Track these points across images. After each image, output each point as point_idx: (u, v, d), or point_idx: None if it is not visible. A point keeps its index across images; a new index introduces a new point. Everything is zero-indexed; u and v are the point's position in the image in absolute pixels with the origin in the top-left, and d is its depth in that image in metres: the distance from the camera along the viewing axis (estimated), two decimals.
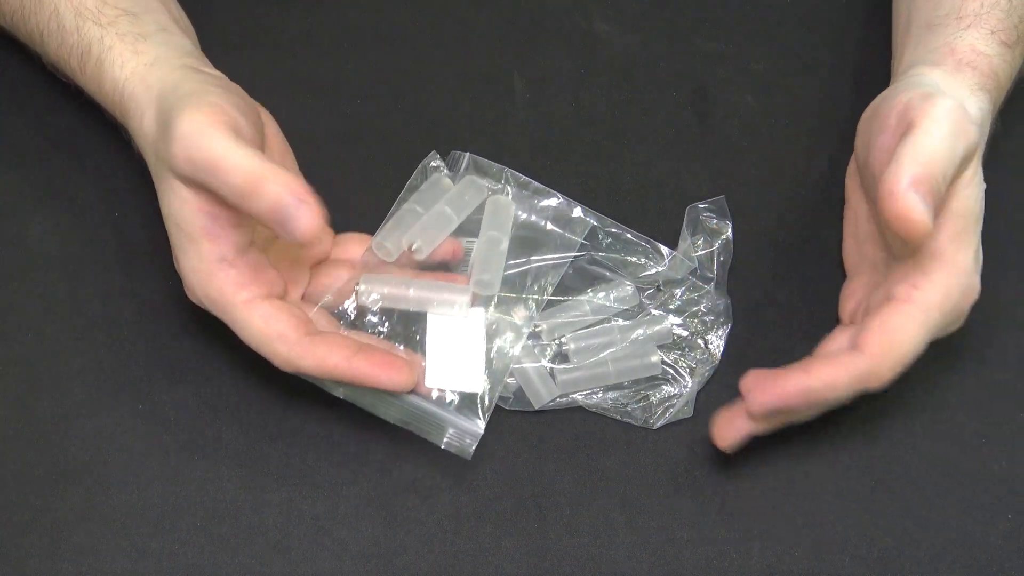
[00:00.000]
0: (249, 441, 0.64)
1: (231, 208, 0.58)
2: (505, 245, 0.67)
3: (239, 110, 0.60)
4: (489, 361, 0.64)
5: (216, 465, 0.64)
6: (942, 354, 0.67)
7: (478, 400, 0.63)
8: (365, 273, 0.65)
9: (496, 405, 0.65)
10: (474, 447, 0.62)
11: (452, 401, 0.63)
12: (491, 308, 0.66)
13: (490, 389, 0.64)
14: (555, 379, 0.65)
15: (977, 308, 0.63)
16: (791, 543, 0.63)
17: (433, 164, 0.70)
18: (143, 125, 0.61)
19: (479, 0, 0.78)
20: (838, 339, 0.63)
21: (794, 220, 0.72)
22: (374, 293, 0.64)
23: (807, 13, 0.79)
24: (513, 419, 0.65)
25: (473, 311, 0.65)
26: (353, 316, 0.65)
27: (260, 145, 0.61)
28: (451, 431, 0.62)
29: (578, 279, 0.68)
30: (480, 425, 0.63)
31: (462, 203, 0.68)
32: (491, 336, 0.65)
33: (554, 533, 0.63)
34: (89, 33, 0.64)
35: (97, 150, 0.71)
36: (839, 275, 0.69)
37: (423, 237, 0.66)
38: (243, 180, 0.56)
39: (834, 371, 0.59)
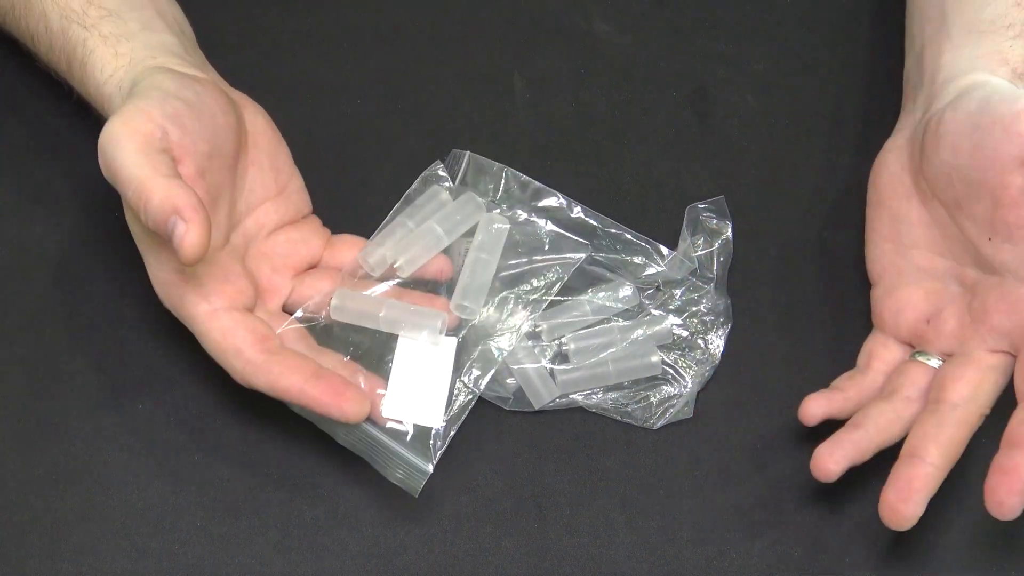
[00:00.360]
0: (249, 441, 0.64)
1: None
2: (493, 268, 0.66)
3: (174, 117, 0.58)
4: (452, 397, 0.63)
5: (216, 465, 0.64)
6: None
7: (430, 438, 0.62)
8: (340, 288, 0.64)
9: (496, 405, 0.65)
10: (422, 485, 0.61)
11: (407, 434, 0.61)
12: (461, 336, 0.64)
13: (445, 428, 0.62)
14: (555, 379, 0.65)
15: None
16: (791, 543, 0.63)
17: (438, 174, 0.69)
18: None
19: (479, 0, 0.78)
20: (890, 351, 0.64)
21: (794, 220, 0.72)
22: (346, 310, 0.64)
23: (807, 13, 0.79)
24: (513, 419, 0.65)
25: (444, 340, 0.64)
26: (323, 333, 0.64)
27: (202, 154, 0.59)
28: (403, 467, 0.61)
29: (578, 279, 0.68)
30: (429, 467, 0.61)
31: (454, 222, 0.66)
32: (459, 369, 0.64)
33: (554, 533, 0.63)
34: (74, 35, 0.64)
35: (96, 150, 0.71)
36: (839, 275, 0.70)
37: (408, 256, 0.65)
38: (134, 194, 0.56)
39: None
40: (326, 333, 0.64)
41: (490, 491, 0.64)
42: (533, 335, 0.66)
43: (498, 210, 0.68)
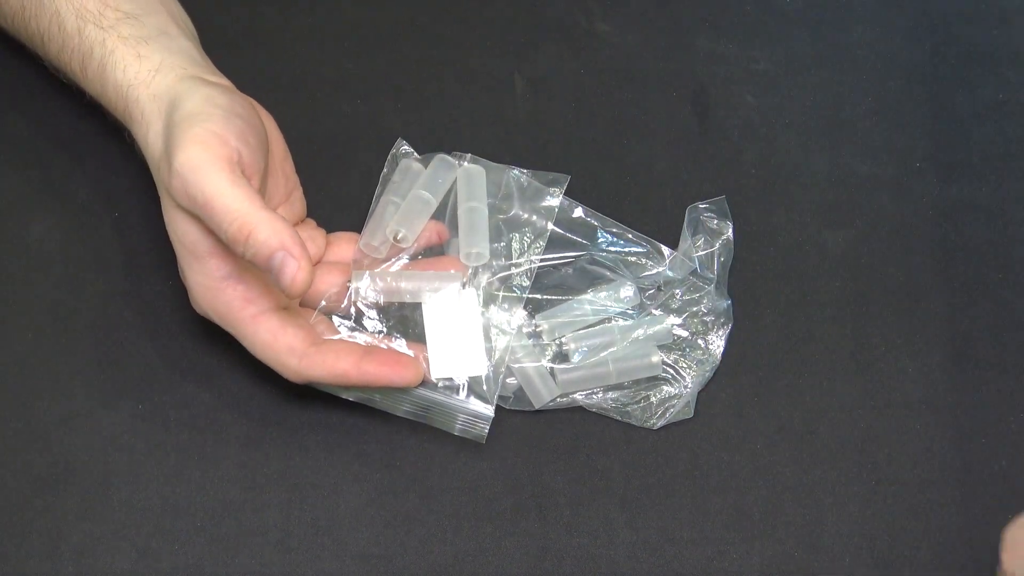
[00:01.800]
0: (249, 441, 0.64)
1: None
2: (485, 212, 0.67)
3: (242, 137, 0.59)
4: (489, 343, 0.65)
5: (216, 465, 0.64)
6: (942, 354, 0.67)
7: (483, 383, 0.64)
8: (356, 271, 0.65)
9: (496, 405, 0.65)
10: (487, 430, 0.63)
11: (459, 387, 0.63)
12: (482, 287, 0.66)
13: (494, 369, 0.64)
14: (555, 379, 0.65)
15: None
16: (791, 543, 0.63)
17: (403, 150, 0.70)
18: (148, 138, 0.61)
19: (479, 0, 0.78)
20: None
21: (794, 220, 0.72)
22: (368, 292, 0.64)
23: (807, 13, 0.79)
24: (513, 419, 0.65)
25: (465, 293, 0.65)
26: (353, 317, 0.65)
27: (262, 170, 0.61)
28: (462, 418, 0.63)
29: (578, 279, 0.68)
30: (490, 409, 0.63)
31: (436, 184, 0.68)
32: (486, 322, 0.65)
33: (554, 533, 0.63)
34: (91, 36, 0.64)
35: (97, 150, 0.71)
36: (839, 275, 0.70)
37: (405, 225, 0.66)
38: (235, 227, 0.57)
39: None
40: (354, 318, 0.65)
41: (490, 491, 0.64)
42: (534, 334, 0.66)
43: (467, 157, 0.69)
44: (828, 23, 0.78)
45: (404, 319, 0.65)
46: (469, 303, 0.65)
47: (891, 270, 0.70)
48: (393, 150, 0.70)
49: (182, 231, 0.60)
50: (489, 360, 0.64)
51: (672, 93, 0.75)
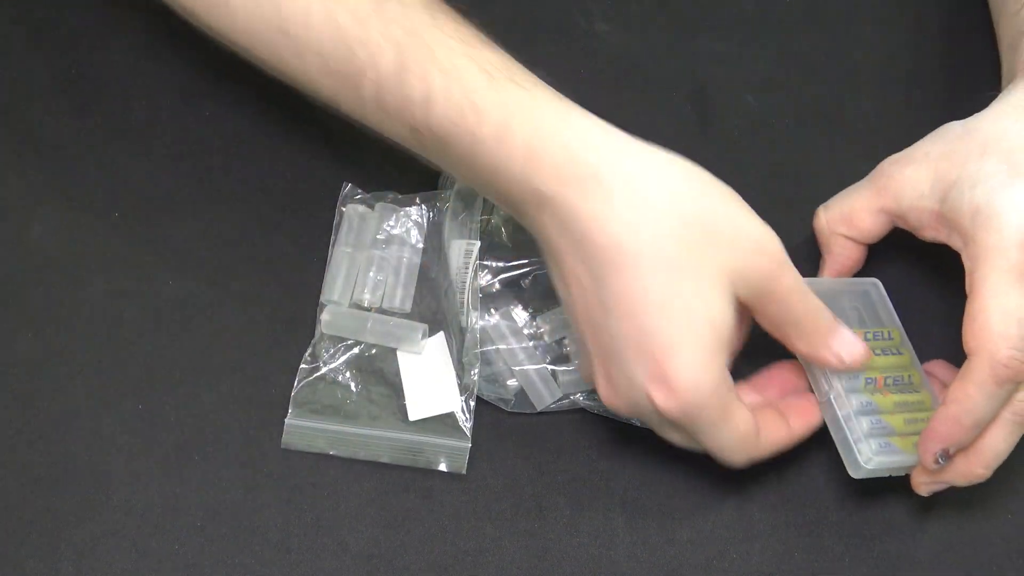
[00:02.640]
0: (249, 441, 0.64)
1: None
2: (357, 258, 0.67)
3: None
4: (461, 379, 0.65)
5: (216, 465, 0.64)
6: (942, 354, 0.67)
7: (457, 419, 0.64)
8: (329, 306, 0.66)
9: (497, 407, 0.65)
10: (466, 461, 0.63)
11: (436, 425, 0.64)
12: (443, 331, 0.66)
13: (464, 404, 0.64)
14: (557, 380, 0.65)
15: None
16: (791, 543, 0.63)
17: (347, 191, 0.69)
18: (614, 209, 0.55)
19: (479, 0, 0.78)
20: None
21: (794, 220, 0.71)
22: (336, 325, 0.65)
23: (807, 13, 0.79)
24: (514, 420, 0.65)
25: (432, 340, 0.66)
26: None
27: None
28: (443, 454, 0.63)
29: None
30: (466, 441, 0.63)
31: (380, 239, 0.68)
32: (457, 353, 0.66)
33: (554, 533, 0.63)
34: (508, 91, 0.57)
35: (97, 150, 0.71)
36: None
37: (368, 289, 0.67)
38: (819, 323, 0.59)
39: (960, 386, 0.59)
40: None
41: (490, 491, 0.64)
42: (535, 336, 0.66)
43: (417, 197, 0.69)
44: (828, 23, 0.78)
45: (373, 369, 0.66)
46: (438, 346, 0.66)
47: (891, 270, 0.70)
48: (340, 195, 0.69)
49: (719, 310, 0.55)
50: (461, 395, 0.64)
51: (672, 93, 0.75)
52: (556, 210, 0.55)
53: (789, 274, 0.57)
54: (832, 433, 0.62)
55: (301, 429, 0.64)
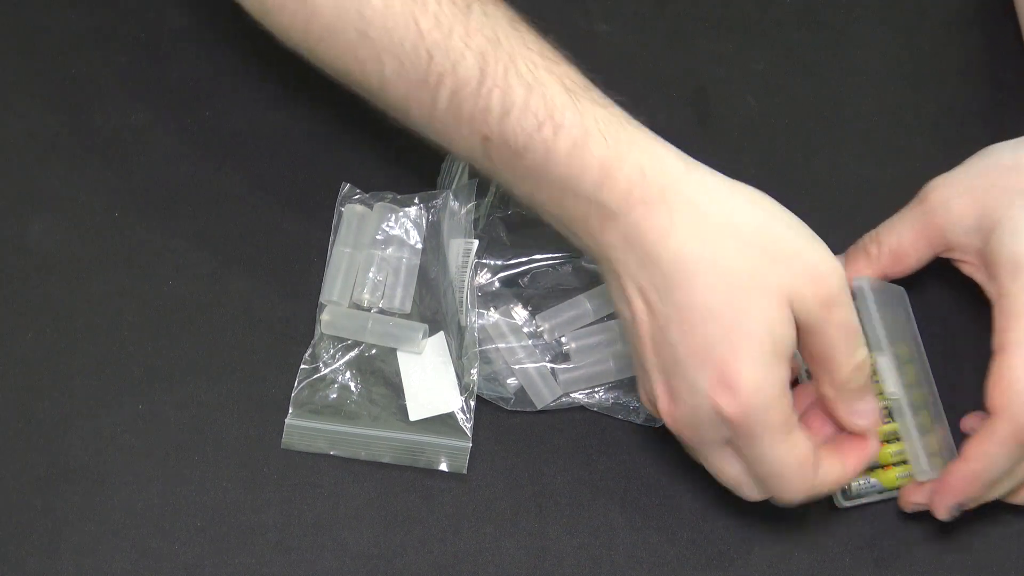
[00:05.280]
0: (249, 441, 0.64)
1: None
2: (357, 257, 0.67)
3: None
4: (463, 379, 0.65)
5: (216, 465, 0.64)
6: (942, 354, 0.67)
7: (458, 419, 0.64)
8: (329, 306, 0.66)
9: (497, 406, 0.65)
10: (467, 461, 0.63)
11: (437, 425, 0.64)
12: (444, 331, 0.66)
13: (465, 403, 0.64)
14: (557, 379, 0.65)
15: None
16: (791, 543, 0.63)
17: (346, 191, 0.69)
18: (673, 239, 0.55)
19: None
20: None
21: None
22: (337, 326, 0.65)
23: (807, 13, 0.79)
24: (514, 419, 0.65)
25: (432, 340, 0.66)
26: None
27: None
28: (444, 454, 0.63)
29: (577, 278, 0.68)
30: (467, 441, 0.63)
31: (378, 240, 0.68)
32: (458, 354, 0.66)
33: (554, 533, 0.63)
34: (587, 109, 0.58)
35: (97, 150, 0.71)
36: None
37: (367, 289, 0.67)
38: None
39: (981, 444, 0.59)
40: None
41: (490, 491, 0.64)
42: (534, 335, 0.66)
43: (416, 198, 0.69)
44: (828, 23, 0.78)
45: (375, 371, 0.66)
46: (438, 346, 0.66)
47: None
48: (339, 195, 0.69)
49: (777, 323, 0.55)
50: (461, 394, 0.64)
51: (672, 93, 0.75)
52: (623, 227, 0.56)
53: (844, 310, 0.56)
54: None
55: (301, 429, 0.64)
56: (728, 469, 0.59)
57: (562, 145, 0.56)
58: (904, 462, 0.63)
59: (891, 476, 0.63)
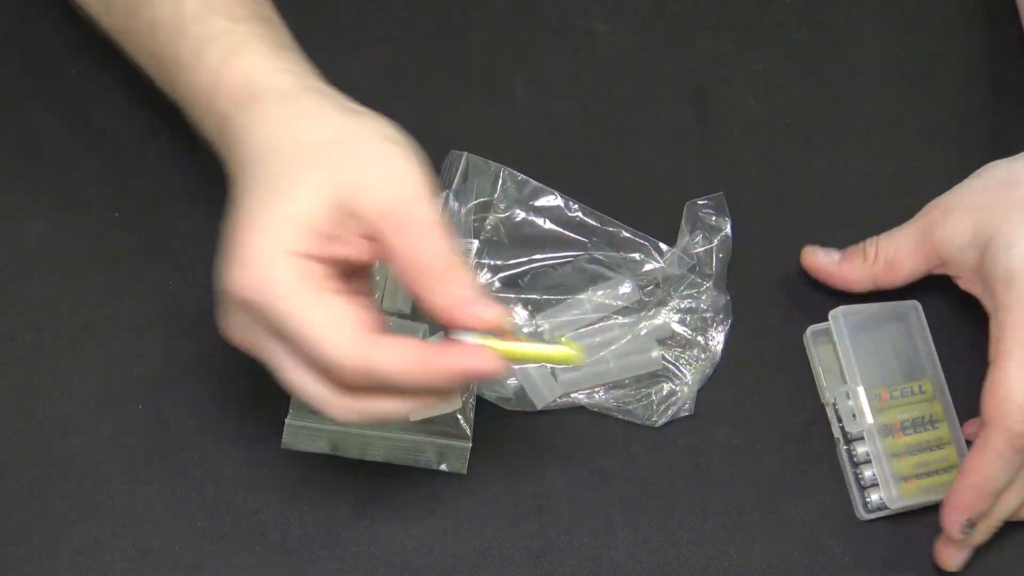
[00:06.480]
0: (249, 441, 0.64)
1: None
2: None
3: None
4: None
5: (216, 465, 0.64)
6: (942, 353, 0.67)
7: (459, 418, 0.64)
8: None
9: (497, 406, 0.65)
10: (466, 460, 0.63)
11: (436, 423, 0.63)
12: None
13: (464, 403, 0.64)
14: (556, 378, 0.65)
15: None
16: (791, 543, 0.63)
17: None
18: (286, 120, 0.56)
19: (479, 0, 0.78)
20: None
21: (794, 220, 0.72)
22: None
23: (807, 13, 0.79)
24: (514, 419, 0.65)
25: (432, 340, 0.65)
26: None
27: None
28: (444, 454, 0.63)
29: (577, 278, 0.68)
30: (467, 441, 0.63)
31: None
32: None
33: (554, 533, 0.63)
34: (216, 25, 0.59)
35: (97, 150, 0.71)
36: None
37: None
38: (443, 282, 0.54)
39: (979, 456, 0.60)
40: None
41: (490, 491, 0.64)
42: (534, 334, 0.66)
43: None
44: (828, 23, 0.78)
45: None
46: None
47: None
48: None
49: (308, 209, 0.53)
50: (461, 395, 0.64)
51: (672, 93, 0.75)
52: (229, 128, 0.57)
53: (426, 209, 0.54)
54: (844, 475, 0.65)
55: (301, 429, 0.64)
56: (292, 375, 0.54)
57: (208, 60, 0.59)
58: (927, 474, 0.63)
59: (913, 488, 0.64)
